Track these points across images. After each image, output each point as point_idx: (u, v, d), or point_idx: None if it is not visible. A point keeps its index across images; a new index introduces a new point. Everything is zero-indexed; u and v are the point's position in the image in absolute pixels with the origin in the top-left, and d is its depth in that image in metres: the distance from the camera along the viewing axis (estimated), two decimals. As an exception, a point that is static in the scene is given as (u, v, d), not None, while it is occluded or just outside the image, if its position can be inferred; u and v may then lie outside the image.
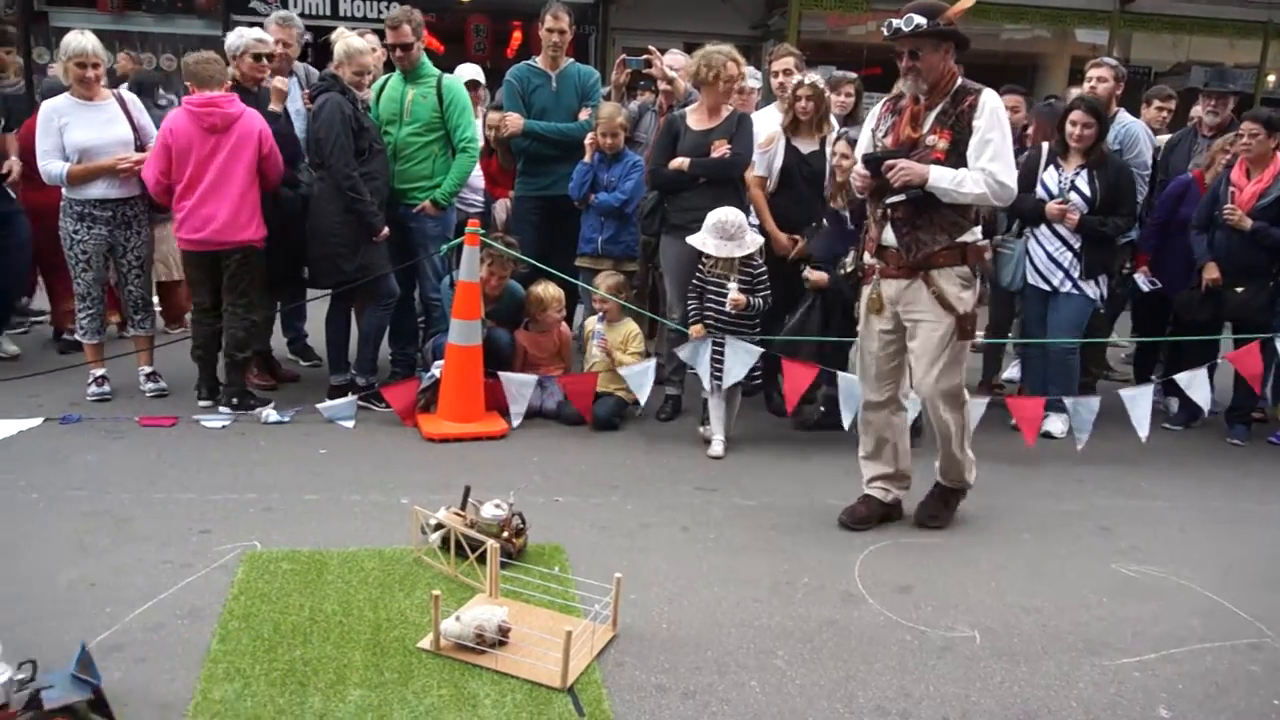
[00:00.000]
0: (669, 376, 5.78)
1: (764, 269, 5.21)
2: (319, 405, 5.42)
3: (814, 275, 5.27)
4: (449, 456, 4.99)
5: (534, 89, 6.12)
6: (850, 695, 3.07)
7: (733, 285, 5.06)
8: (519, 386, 5.47)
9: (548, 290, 5.71)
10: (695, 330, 5.19)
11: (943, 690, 3.12)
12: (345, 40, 5.47)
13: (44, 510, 4.11)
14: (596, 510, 4.41)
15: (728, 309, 5.09)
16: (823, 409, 5.49)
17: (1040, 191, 5.52)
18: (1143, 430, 5.31)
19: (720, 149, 5.31)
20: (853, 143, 5.13)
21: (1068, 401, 5.42)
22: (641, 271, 6.08)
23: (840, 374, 5.18)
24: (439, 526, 3.77)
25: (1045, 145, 5.65)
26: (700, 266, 5.23)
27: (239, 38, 5.53)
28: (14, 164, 5.84)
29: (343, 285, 5.49)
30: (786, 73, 5.91)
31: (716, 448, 5.17)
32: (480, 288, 5.34)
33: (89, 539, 3.86)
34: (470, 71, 6.83)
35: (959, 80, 3.97)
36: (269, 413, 5.36)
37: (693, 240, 5.08)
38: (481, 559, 3.53)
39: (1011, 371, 6.77)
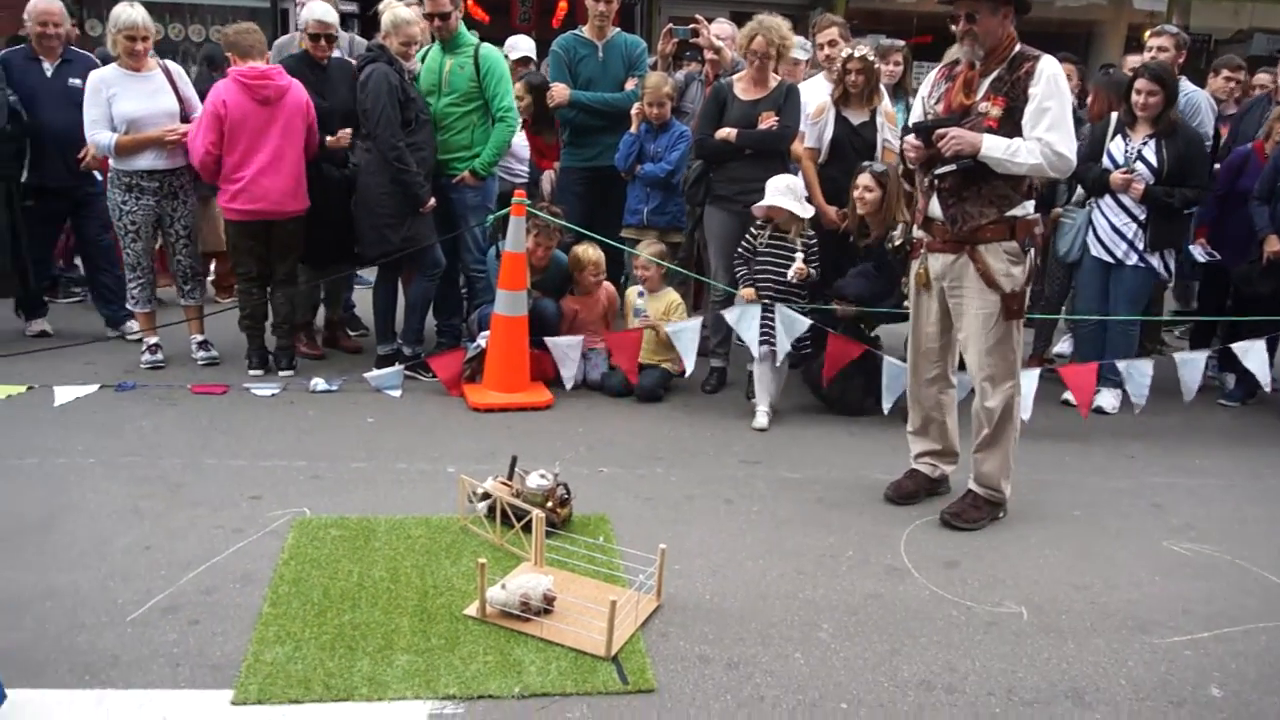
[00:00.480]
0: (714, 349, 5.75)
1: (815, 240, 5.19)
2: (366, 375, 5.47)
3: (842, 309, 5.23)
4: (494, 426, 5.02)
5: (580, 59, 6.09)
6: (895, 669, 3.05)
7: (799, 255, 5.07)
8: (566, 349, 5.48)
9: (588, 252, 5.69)
10: (746, 293, 5.17)
11: (988, 666, 3.10)
12: (392, 10, 5.47)
13: (100, 475, 4.20)
14: (641, 481, 4.42)
15: (790, 278, 5.08)
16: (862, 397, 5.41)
17: (1106, 161, 5.40)
18: (1190, 393, 5.27)
19: (768, 121, 5.25)
20: (877, 175, 5.08)
21: (1121, 366, 5.29)
22: (687, 242, 6.05)
23: (886, 359, 5.12)
24: (485, 495, 3.81)
25: (1114, 115, 5.52)
26: (750, 235, 5.20)
27: (309, 13, 5.60)
28: (92, 147, 5.69)
29: (389, 256, 5.52)
30: (832, 44, 5.84)
31: (761, 420, 5.15)
32: (527, 258, 5.35)
33: (144, 503, 3.94)
34: (524, 46, 6.80)
35: (1017, 46, 3.83)
36: (317, 381, 5.43)
37: (769, 201, 5.03)
38: (527, 528, 3.56)
39: (1062, 346, 6.66)
